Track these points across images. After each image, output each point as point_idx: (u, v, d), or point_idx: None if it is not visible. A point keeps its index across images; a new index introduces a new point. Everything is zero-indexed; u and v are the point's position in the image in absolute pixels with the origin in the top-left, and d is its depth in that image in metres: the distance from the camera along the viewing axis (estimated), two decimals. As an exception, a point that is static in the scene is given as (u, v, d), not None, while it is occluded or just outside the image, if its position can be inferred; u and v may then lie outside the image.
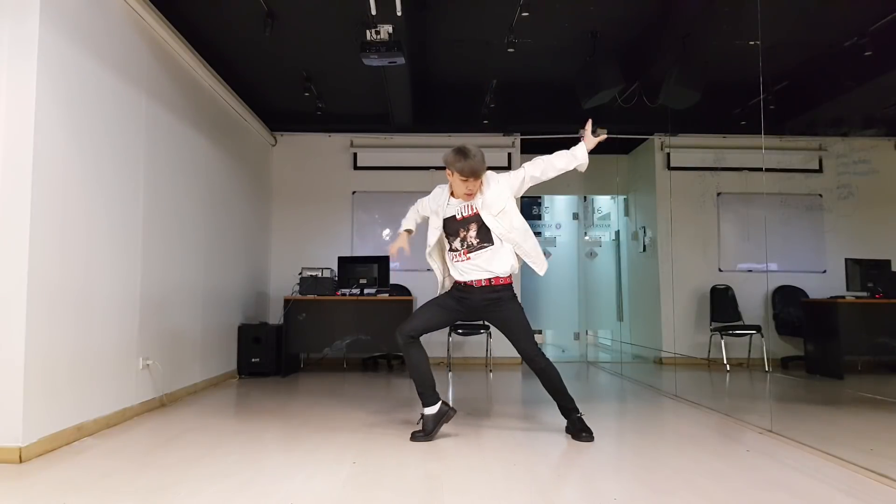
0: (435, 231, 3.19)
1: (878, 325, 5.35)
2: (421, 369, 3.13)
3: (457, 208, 3.11)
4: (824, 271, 6.50)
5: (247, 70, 5.36)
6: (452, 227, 3.12)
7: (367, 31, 4.22)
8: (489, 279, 3.08)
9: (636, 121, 6.18)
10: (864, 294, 5.40)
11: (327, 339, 5.65)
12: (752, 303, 6.55)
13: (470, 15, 4.57)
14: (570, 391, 3.16)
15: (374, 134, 6.82)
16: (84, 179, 3.14)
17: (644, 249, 7.30)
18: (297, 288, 5.77)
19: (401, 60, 4.36)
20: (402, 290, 6.45)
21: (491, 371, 6.05)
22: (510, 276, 3.13)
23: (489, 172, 3.11)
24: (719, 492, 2.25)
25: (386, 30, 4.21)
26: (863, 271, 5.46)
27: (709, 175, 6.81)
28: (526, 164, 3.15)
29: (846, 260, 5.62)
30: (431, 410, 3.06)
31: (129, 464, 2.62)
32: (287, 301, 5.63)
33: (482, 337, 6.34)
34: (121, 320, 3.50)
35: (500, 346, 6.52)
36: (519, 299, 3.25)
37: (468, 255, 3.09)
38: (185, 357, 4.42)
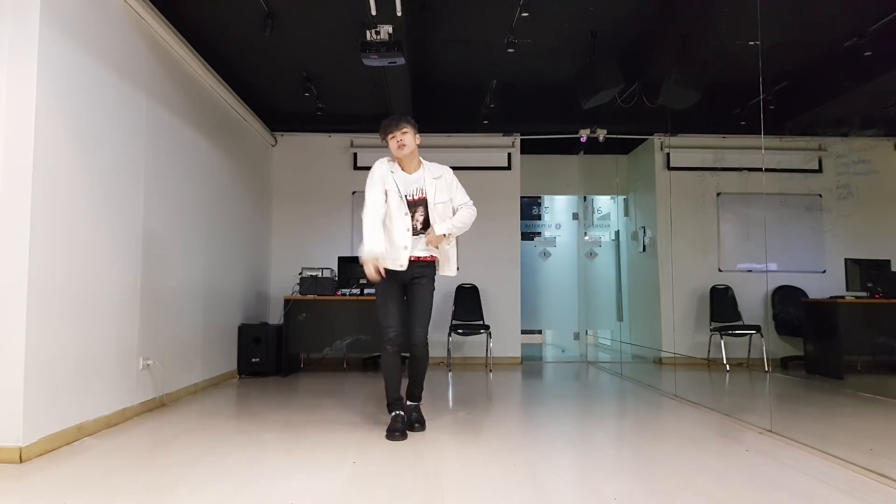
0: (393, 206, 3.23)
1: (878, 325, 5.35)
2: (398, 375, 3.29)
3: (411, 188, 3.23)
4: (824, 271, 6.51)
5: (247, 70, 5.36)
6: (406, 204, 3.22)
7: (367, 32, 4.23)
8: (426, 256, 3.27)
9: (636, 121, 6.18)
10: (864, 294, 5.40)
11: (327, 339, 5.66)
12: (752, 303, 6.55)
13: (470, 15, 4.57)
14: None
15: (374, 134, 6.76)
16: (84, 179, 3.14)
17: (644, 249, 7.31)
18: (297, 288, 5.77)
19: (401, 60, 4.36)
20: (402, 290, 6.45)
21: (491, 371, 6.05)
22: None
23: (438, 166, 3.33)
24: (719, 492, 2.26)
25: (386, 30, 4.21)
26: (862, 271, 5.46)
27: (709, 175, 6.81)
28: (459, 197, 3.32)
29: (846, 260, 5.62)
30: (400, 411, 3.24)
31: (129, 464, 2.62)
32: (287, 301, 5.64)
33: (482, 337, 6.35)
34: (121, 320, 3.50)
35: (500, 346, 6.55)
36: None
37: (415, 235, 3.23)
38: (185, 357, 4.43)
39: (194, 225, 4.59)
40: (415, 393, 3.37)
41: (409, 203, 3.19)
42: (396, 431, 3.10)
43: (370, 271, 3.04)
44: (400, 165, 3.24)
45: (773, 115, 5.84)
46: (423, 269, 3.25)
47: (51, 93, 2.86)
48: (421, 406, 3.40)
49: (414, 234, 3.19)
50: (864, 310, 5.38)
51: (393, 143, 3.17)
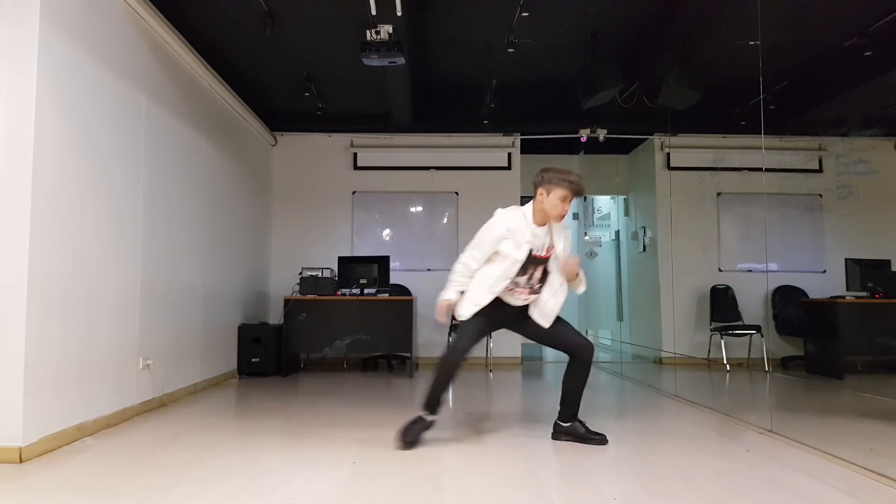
0: (512, 264, 2.93)
1: (878, 325, 5.35)
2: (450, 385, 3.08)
3: (537, 243, 2.96)
4: (824, 271, 6.50)
5: (247, 70, 5.36)
6: (528, 261, 2.96)
7: (367, 31, 4.23)
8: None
9: (636, 121, 6.18)
10: (864, 294, 5.40)
11: (327, 339, 5.65)
12: (752, 303, 6.55)
13: (470, 15, 4.57)
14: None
15: (374, 134, 6.82)
16: (84, 179, 3.14)
17: (644, 249, 7.31)
18: (297, 288, 5.77)
19: (401, 60, 4.36)
20: (403, 289, 6.46)
21: (491, 371, 6.04)
22: None
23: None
24: (719, 492, 2.25)
25: (386, 30, 4.21)
26: (863, 271, 5.46)
27: (709, 175, 6.81)
28: None
29: (846, 260, 5.62)
30: (433, 417, 3.03)
31: (129, 464, 2.62)
32: (287, 301, 5.63)
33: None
34: (121, 320, 3.50)
35: (500, 346, 6.55)
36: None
37: (531, 294, 3.04)
38: (185, 357, 4.43)
39: (194, 225, 4.59)
40: (576, 406, 3.10)
41: (535, 259, 2.98)
42: (409, 440, 2.92)
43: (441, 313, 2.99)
44: (538, 218, 2.98)
45: (773, 115, 5.84)
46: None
47: (51, 92, 2.86)
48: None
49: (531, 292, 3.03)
50: (864, 310, 5.38)
51: (566, 207, 2.92)
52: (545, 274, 3.03)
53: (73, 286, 3.03)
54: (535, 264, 2.98)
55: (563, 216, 2.96)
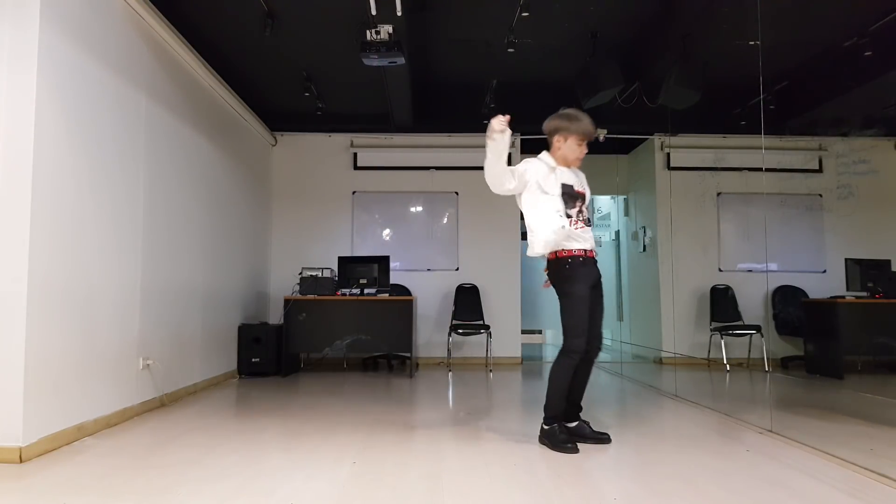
0: (551, 198, 2.95)
1: (878, 325, 5.35)
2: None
3: (572, 180, 3.00)
4: (824, 271, 6.50)
5: (247, 70, 5.36)
6: (571, 195, 2.97)
7: (367, 31, 4.23)
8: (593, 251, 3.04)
9: (636, 121, 6.18)
10: (864, 294, 5.40)
11: (327, 339, 5.66)
12: (752, 303, 6.55)
13: (470, 15, 4.57)
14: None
15: (374, 134, 6.82)
16: (84, 180, 3.14)
17: (644, 249, 7.30)
18: (297, 288, 5.77)
19: (401, 60, 4.36)
20: (403, 289, 6.46)
21: (491, 371, 6.05)
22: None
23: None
24: (719, 492, 2.25)
25: (386, 30, 4.21)
26: (863, 271, 5.46)
27: (709, 175, 6.81)
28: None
29: (846, 260, 5.62)
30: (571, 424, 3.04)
31: (129, 464, 2.62)
32: (287, 301, 5.64)
33: (482, 337, 6.34)
34: (121, 320, 3.50)
35: (500, 346, 6.55)
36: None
37: (586, 226, 3.02)
38: (185, 357, 4.43)
39: (194, 225, 4.59)
40: (580, 404, 3.12)
41: (575, 193, 3.02)
42: (569, 443, 2.88)
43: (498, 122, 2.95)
44: (560, 162, 3.06)
45: (773, 115, 5.84)
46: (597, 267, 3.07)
47: (51, 93, 2.86)
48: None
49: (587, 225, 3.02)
50: (864, 310, 5.37)
51: (583, 149, 3.02)
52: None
53: (73, 286, 3.03)
54: (576, 199, 2.98)
55: (582, 157, 3.05)
